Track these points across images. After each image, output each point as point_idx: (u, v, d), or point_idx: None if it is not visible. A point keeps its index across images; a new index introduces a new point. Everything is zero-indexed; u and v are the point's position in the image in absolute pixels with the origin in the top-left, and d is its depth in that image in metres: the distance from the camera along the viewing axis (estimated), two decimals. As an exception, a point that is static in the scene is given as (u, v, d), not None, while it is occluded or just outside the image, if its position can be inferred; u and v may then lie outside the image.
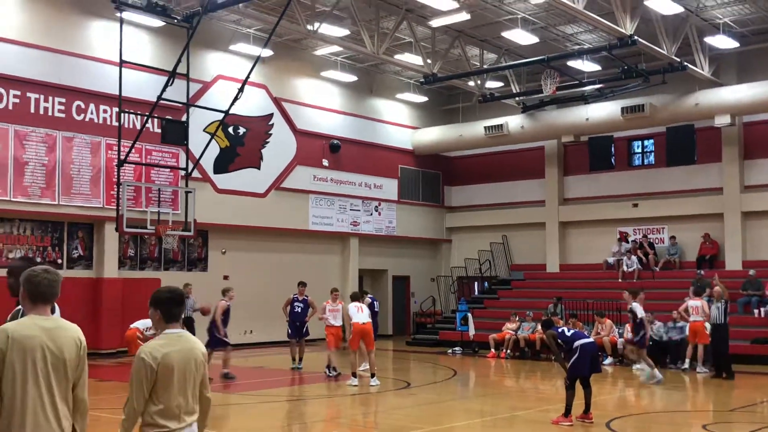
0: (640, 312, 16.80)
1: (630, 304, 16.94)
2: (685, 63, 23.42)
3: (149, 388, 4.70)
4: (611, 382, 17.72)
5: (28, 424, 4.19)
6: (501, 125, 28.90)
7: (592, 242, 28.91)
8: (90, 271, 22.35)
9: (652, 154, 28.59)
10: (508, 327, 23.19)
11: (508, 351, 22.58)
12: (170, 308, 4.95)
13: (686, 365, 18.87)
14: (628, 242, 27.45)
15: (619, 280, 25.67)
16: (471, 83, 27.83)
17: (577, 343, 11.84)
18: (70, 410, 4.40)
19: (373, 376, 16.27)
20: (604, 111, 26.81)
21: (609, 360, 20.45)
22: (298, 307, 19.11)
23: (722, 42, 23.71)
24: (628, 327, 18.78)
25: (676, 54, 23.12)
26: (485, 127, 29.33)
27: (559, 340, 12.17)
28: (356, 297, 16.96)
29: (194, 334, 5.28)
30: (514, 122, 28.85)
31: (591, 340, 12.22)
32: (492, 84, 28.61)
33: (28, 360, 4.21)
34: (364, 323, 16.15)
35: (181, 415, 4.77)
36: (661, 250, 27.03)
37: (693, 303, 18.91)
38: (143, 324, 15.73)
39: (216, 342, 16.81)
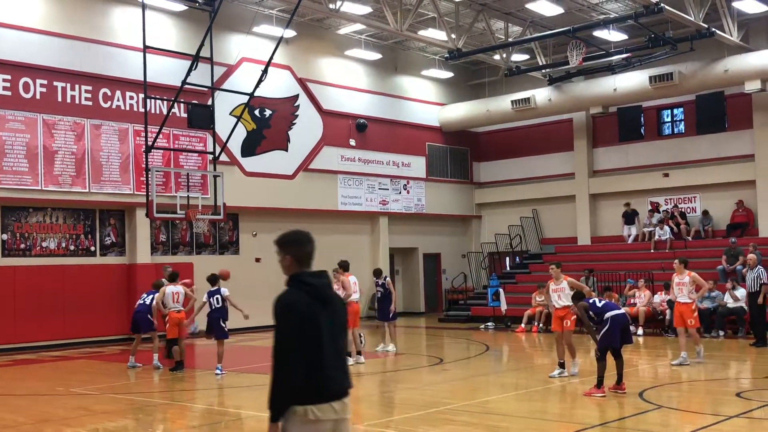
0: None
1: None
2: (713, 29, 23.02)
3: None
4: (645, 352, 17.62)
5: None
6: (528, 99, 28.70)
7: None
8: (123, 257, 22.60)
9: (682, 122, 28.25)
10: (537, 301, 22.90)
11: (540, 324, 22.45)
12: None
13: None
14: (659, 212, 27.20)
15: (651, 251, 25.51)
16: (496, 57, 27.61)
17: (608, 314, 11.77)
18: None
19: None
20: (632, 81, 26.49)
21: (641, 331, 20.37)
22: None
23: (750, 6, 23.35)
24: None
25: (703, 20, 22.74)
26: (512, 101, 29.14)
27: (590, 312, 12.12)
28: (347, 267, 16.37)
29: None
30: (541, 95, 28.62)
31: (622, 311, 12.13)
32: (518, 57, 28.36)
33: None
34: (357, 301, 16.29)
35: None
36: (692, 220, 26.76)
37: (678, 279, 15.11)
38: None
39: None
